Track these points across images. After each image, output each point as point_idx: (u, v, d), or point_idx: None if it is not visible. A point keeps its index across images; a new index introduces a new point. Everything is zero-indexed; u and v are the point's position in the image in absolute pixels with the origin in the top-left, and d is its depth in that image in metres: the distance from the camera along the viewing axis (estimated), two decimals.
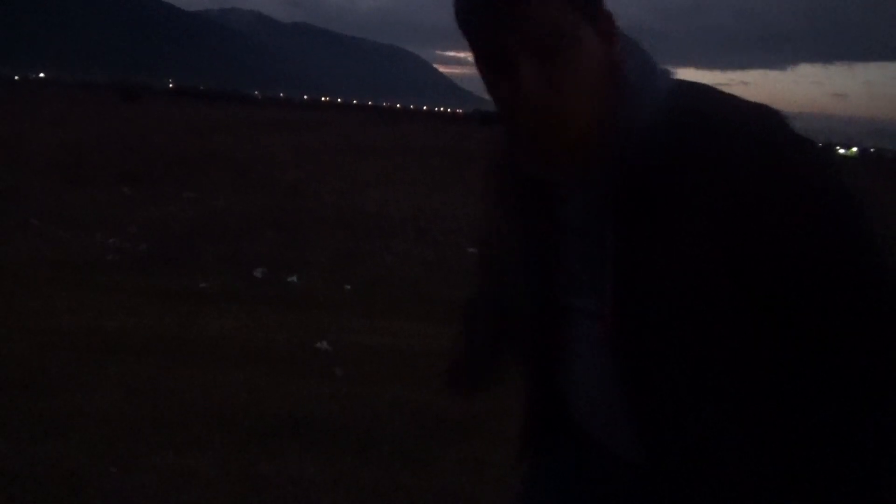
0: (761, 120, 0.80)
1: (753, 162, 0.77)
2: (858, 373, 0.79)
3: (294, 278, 7.15)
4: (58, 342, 4.28)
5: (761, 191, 0.77)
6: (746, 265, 0.78)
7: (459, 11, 0.85)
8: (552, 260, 0.94)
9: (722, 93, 0.85)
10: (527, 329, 1.01)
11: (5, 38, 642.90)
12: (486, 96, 0.92)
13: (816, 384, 0.81)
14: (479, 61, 0.86)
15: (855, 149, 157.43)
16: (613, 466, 0.96)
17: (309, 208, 11.76)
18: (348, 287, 6.86)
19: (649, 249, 0.83)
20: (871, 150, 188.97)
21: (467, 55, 0.94)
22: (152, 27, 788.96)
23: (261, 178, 15.18)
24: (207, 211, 10.80)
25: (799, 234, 0.77)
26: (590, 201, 0.89)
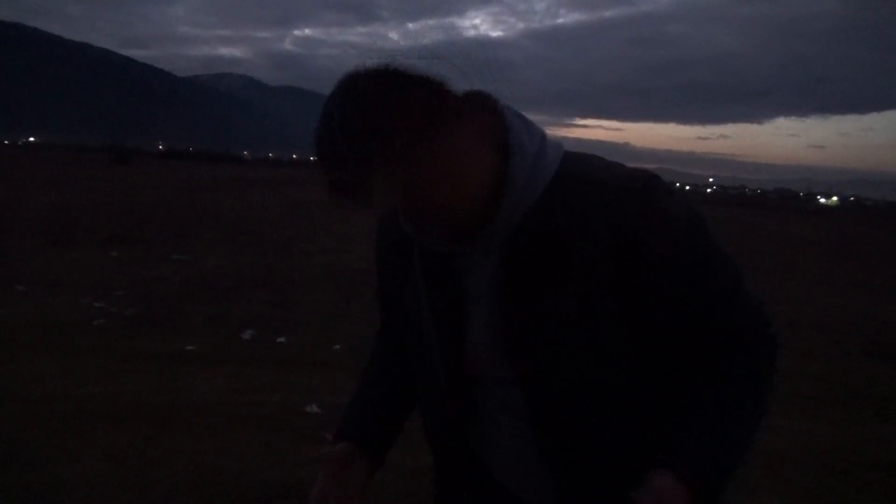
0: (635, 178, 0.95)
1: (629, 209, 0.92)
2: (715, 344, 0.96)
3: (283, 339, 7.08)
4: (41, 411, 4.18)
5: (636, 232, 0.92)
6: (627, 286, 0.92)
7: (316, 142, 0.91)
8: (459, 332, 1.01)
9: (606, 161, 0.99)
10: (435, 397, 1.06)
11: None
12: None
13: (682, 364, 0.98)
14: (339, 184, 0.89)
15: (835, 198, 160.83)
16: None
17: (298, 266, 11.76)
18: (337, 346, 6.79)
19: (542, 297, 0.94)
20: (851, 198, 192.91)
21: None
22: (145, 92, 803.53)
23: (250, 237, 15.22)
24: (196, 271, 10.76)
25: (666, 255, 0.93)
26: (488, 268, 0.97)
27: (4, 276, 9.08)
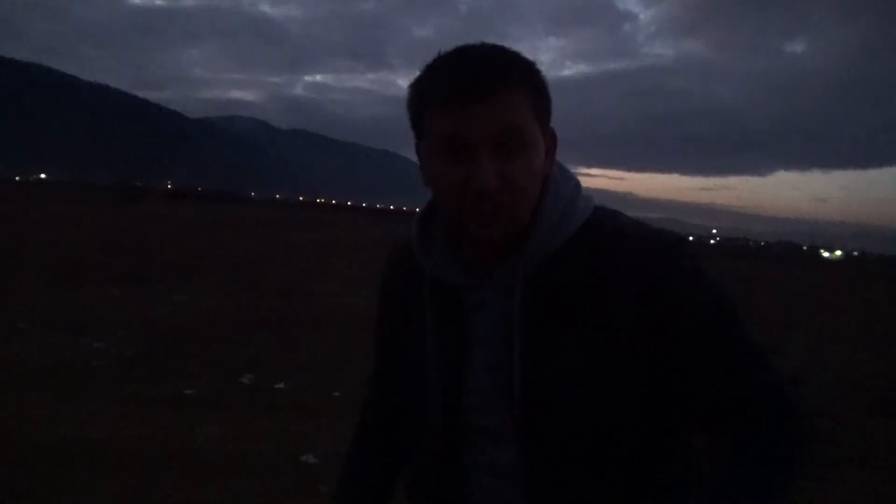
0: (665, 235, 0.95)
1: (658, 262, 0.91)
2: (730, 408, 0.91)
3: (282, 384, 7.00)
4: (35, 456, 4.11)
5: (664, 283, 0.90)
6: (647, 340, 0.90)
7: (431, 97, 0.92)
8: (460, 373, 0.97)
9: (636, 219, 1.00)
10: (428, 450, 1.02)
11: (9, 140, 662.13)
12: None
13: (691, 433, 0.96)
14: (438, 146, 0.93)
15: (839, 252, 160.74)
16: None
17: (301, 309, 11.72)
18: (337, 393, 6.71)
19: (558, 342, 0.91)
20: (854, 252, 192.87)
21: None
22: (157, 132, 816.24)
23: (253, 278, 15.22)
24: (198, 312, 10.73)
25: (692, 312, 0.91)
26: (498, 308, 0.95)
27: (5, 315, 9.05)
